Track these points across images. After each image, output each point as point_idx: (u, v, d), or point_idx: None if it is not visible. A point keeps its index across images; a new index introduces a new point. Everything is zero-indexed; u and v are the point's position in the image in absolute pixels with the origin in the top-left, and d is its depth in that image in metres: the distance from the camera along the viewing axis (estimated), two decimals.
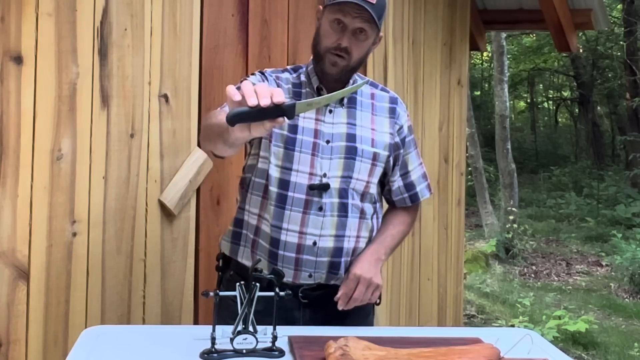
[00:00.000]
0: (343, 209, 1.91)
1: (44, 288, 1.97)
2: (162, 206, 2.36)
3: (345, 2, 1.81)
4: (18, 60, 1.89)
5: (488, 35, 9.96)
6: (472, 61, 17.40)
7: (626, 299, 7.75)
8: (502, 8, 5.63)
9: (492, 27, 6.36)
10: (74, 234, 2.06)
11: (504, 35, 10.90)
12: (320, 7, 1.93)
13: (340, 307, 1.85)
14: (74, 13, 2.04)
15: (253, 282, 1.61)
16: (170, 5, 2.39)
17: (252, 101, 1.39)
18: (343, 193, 1.90)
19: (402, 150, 2.03)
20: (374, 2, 1.82)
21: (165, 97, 2.38)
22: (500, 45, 10.71)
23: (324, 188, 1.88)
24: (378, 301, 2.07)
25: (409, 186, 2.07)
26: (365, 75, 3.03)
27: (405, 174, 2.06)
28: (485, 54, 16.70)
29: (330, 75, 1.90)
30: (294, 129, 1.91)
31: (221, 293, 1.60)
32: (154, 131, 2.34)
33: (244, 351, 1.55)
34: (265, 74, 1.98)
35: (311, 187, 1.88)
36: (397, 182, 2.05)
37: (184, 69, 2.45)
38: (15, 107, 1.89)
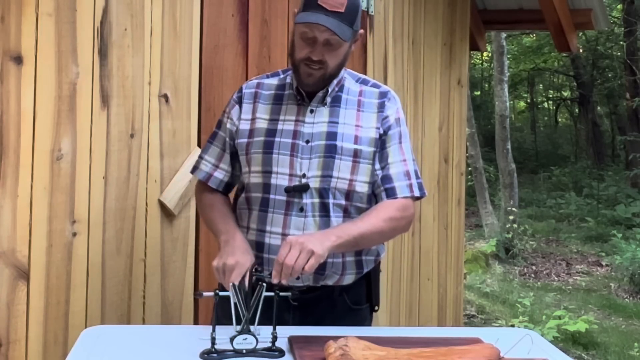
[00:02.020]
0: (324, 209, 1.88)
1: (44, 288, 1.97)
2: (162, 206, 2.36)
3: (309, 22, 1.79)
4: (18, 60, 1.89)
5: (488, 35, 9.96)
6: (472, 61, 17.39)
7: (626, 299, 7.75)
8: (502, 8, 5.63)
9: (492, 27, 6.36)
10: (74, 234, 2.06)
11: (504, 35, 10.90)
12: (296, 9, 1.89)
13: (274, 280, 1.67)
14: (74, 13, 2.04)
15: (260, 282, 1.62)
16: (170, 5, 2.38)
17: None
18: (323, 193, 1.87)
19: (385, 141, 1.94)
20: (342, 10, 1.79)
21: (165, 97, 2.38)
22: (500, 45, 10.71)
23: (302, 189, 1.86)
24: (377, 308, 2.06)
25: (385, 179, 1.91)
26: (365, 74, 3.03)
27: (384, 167, 1.92)
28: (485, 54, 16.70)
29: (306, 85, 1.88)
30: (272, 132, 1.90)
31: (221, 293, 1.61)
32: (154, 131, 2.34)
33: (244, 351, 1.56)
34: (243, 92, 1.99)
35: (286, 190, 1.86)
36: (377, 175, 1.93)
37: (184, 69, 2.45)
38: (15, 107, 1.89)
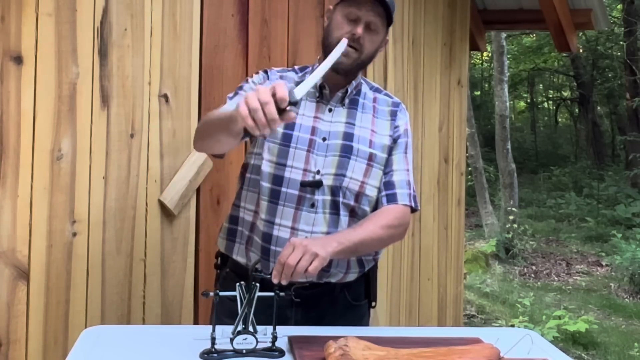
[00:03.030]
0: (334, 207, 1.89)
1: (44, 288, 1.97)
2: (162, 206, 2.36)
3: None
4: (18, 60, 1.89)
5: (488, 35, 9.96)
6: (472, 61, 17.39)
7: (626, 299, 7.75)
8: (502, 8, 5.62)
9: (492, 27, 6.35)
10: (74, 234, 2.06)
11: (504, 35, 10.90)
12: (331, 7, 1.95)
13: (275, 280, 1.66)
14: (74, 13, 2.04)
15: (253, 282, 1.62)
16: (170, 5, 2.39)
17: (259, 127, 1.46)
18: (335, 191, 1.89)
19: (392, 148, 1.97)
20: (387, 2, 1.86)
21: (165, 97, 2.38)
22: (500, 45, 10.71)
23: (316, 185, 1.87)
24: (374, 303, 2.07)
25: (388, 185, 1.95)
26: (365, 74, 3.03)
27: (388, 172, 1.96)
28: (485, 54, 16.70)
29: (340, 64, 1.85)
30: (291, 125, 1.91)
31: (221, 293, 1.61)
32: (154, 131, 2.34)
33: (244, 351, 1.55)
34: (269, 72, 2.00)
35: (302, 184, 1.87)
36: (382, 180, 1.95)
37: (184, 69, 2.45)
38: (15, 107, 1.89)
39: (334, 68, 1.86)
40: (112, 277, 2.19)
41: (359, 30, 1.85)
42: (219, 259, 2.03)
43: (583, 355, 5.68)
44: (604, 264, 9.27)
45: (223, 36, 2.67)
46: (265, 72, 2.01)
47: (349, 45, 1.85)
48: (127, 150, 2.24)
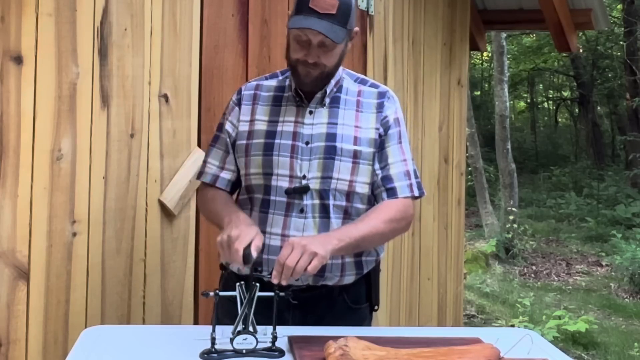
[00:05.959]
0: (324, 210, 1.88)
1: (44, 288, 1.97)
2: (162, 206, 2.36)
3: (301, 27, 1.79)
4: (18, 60, 1.89)
5: (488, 35, 9.95)
6: (472, 61, 17.39)
7: (626, 299, 7.75)
8: (502, 8, 5.63)
9: (492, 27, 6.36)
10: (74, 234, 2.06)
11: (504, 35, 10.90)
12: (289, 12, 1.91)
13: (274, 280, 1.66)
14: (74, 13, 2.04)
15: (253, 282, 1.62)
16: (170, 5, 2.38)
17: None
18: (323, 194, 1.88)
19: (385, 141, 1.94)
20: (334, 11, 1.78)
21: (165, 97, 2.38)
22: (500, 45, 10.71)
23: (302, 190, 1.86)
24: (376, 307, 2.06)
25: (385, 180, 1.92)
26: (365, 74, 3.03)
27: (384, 167, 1.93)
28: (485, 54, 16.69)
29: (305, 85, 1.88)
30: (271, 134, 1.91)
31: (221, 293, 1.61)
32: (154, 131, 2.34)
33: (244, 351, 1.56)
34: (242, 94, 1.99)
35: (287, 192, 1.87)
36: (377, 175, 1.93)
37: (184, 69, 2.45)
38: (15, 107, 1.89)
39: (302, 89, 1.89)
40: (112, 277, 2.19)
41: (312, 57, 1.82)
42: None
43: (583, 355, 5.68)
44: (604, 264, 9.27)
45: (223, 36, 2.67)
46: (239, 97, 1.99)
47: (306, 66, 1.83)
48: (127, 150, 2.23)
